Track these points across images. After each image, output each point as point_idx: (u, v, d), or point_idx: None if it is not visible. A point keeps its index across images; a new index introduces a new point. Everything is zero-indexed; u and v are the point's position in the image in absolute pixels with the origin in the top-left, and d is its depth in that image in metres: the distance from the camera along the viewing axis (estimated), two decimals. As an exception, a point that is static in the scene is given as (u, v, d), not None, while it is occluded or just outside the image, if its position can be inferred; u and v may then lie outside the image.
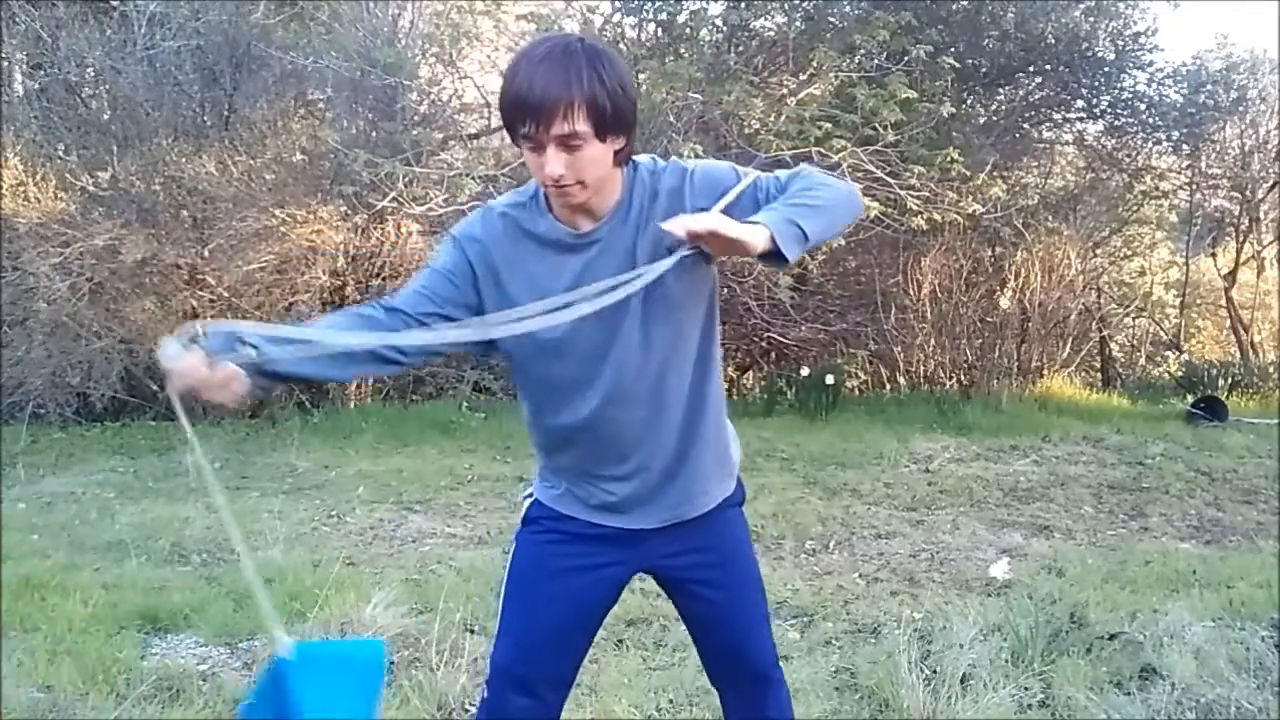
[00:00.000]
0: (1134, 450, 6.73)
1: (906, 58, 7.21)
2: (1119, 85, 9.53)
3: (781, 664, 2.00)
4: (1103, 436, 7.16)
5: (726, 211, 1.63)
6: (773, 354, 9.06)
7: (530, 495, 1.91)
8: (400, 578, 3.92)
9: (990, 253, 9.20)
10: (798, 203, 1.62)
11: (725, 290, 8.14)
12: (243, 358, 1.50)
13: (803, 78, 7.63)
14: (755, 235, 1.54)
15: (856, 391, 9.05)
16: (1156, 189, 10.21)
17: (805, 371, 8.14)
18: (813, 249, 1.70)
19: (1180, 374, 9.96)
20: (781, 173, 1.73)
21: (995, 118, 9.50)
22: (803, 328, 8.45)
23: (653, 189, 1.69)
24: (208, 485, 1.70)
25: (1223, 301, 10.81)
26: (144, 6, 7.66)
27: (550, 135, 1.55)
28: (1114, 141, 10.17)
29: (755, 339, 8.85)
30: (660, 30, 8.46)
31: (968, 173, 7.47)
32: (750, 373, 9.48)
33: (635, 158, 1.71)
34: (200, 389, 1.47)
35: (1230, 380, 9.24)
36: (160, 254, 7.46)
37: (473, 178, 7.00)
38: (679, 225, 1.55)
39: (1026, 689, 2.93)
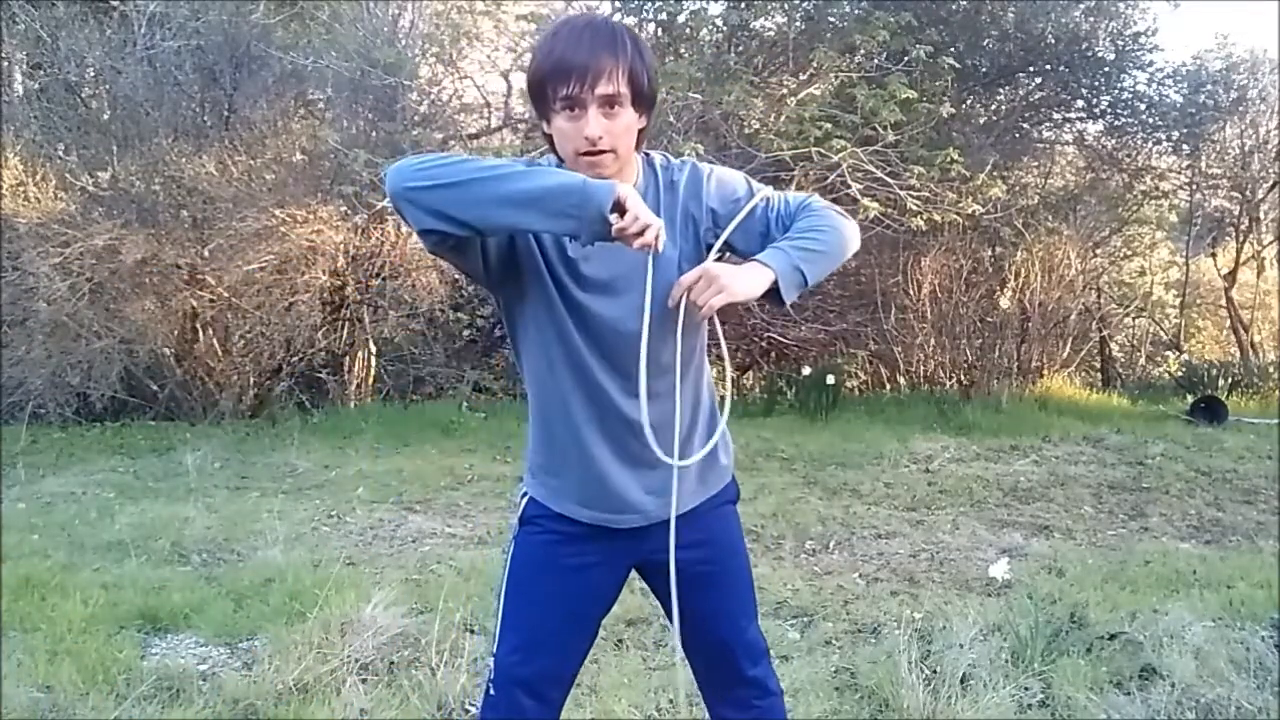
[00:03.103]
0: (1134, 450, 6.73)
1: (906, 58, 7.21)
2: (1119, 85, 9.54)
3: (781, 664, 1.99)
4: (1103, 436, 7.16)
5: (738, 228, 1.69)
6: (773, 354, 9.06)
7: (525, 494, 1.88)
8: (400, 578, 3.92)
9: (990, 253, 9.21)
10: (804, 247, 1.66)
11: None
12: None
13: (803, 78, 7.63)
14: (755, 286, 1.60)
15: (856, 391, 9.05)
16: (1156, 189, 10.20)
17: (805, 371, 8.15)
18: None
19: (1180, 374, 9.95)
20: (791, 195, 1.74)
21: (995, 118, 9.50)
22: (803, 328, 8.45)
23: (668, 180, 1.71)
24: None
25: (1223, 301, 10.81)
26: (144, 6, 7.65)
27: (595, 95, 1.57)
28: (1114, 141, 10.17)
29: (755, 339, 8.85)
30: (660, 30, 8.45)
31: (968, 173, 7.47)
32: (750, 373, 9.47)
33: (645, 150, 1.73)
34: None
35: (1230, 380, 9.24)
36: (160, 254, 7.46)
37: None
38: (680, 290, 1.62)
39: (1026, 689, 2.93)
